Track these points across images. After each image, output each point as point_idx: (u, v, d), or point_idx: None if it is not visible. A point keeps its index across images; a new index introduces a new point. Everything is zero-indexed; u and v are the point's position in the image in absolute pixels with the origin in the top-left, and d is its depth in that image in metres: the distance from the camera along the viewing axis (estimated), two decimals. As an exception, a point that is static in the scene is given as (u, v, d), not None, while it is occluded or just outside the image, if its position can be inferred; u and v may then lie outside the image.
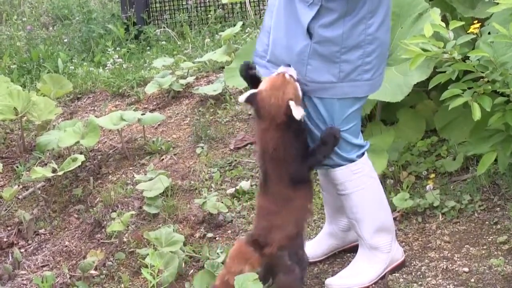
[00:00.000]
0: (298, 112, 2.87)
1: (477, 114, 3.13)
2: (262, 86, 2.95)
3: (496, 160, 3.44)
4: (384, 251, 3.19)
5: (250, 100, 2.95)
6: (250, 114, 4.76)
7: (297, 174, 3.00)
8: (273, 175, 3.00)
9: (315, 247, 3.44)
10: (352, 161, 3.08)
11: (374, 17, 2.92)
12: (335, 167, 3.09)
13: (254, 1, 6.53)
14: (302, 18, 2.92)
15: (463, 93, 3.21)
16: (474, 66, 3.19)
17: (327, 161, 3.07)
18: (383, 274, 3.21)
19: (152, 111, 5.02)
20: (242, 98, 2.95)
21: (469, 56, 3.25)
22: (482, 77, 3.21)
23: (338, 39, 2.91)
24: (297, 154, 2.98)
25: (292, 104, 2.86)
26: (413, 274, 3.26)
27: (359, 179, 3.09)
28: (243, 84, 4.44)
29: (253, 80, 3.06)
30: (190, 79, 5.25)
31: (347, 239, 3.42)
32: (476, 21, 3.48)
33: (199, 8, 6.80)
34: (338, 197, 3.19)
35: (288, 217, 3.03)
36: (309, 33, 2.91)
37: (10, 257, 3.96)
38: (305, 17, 2.91)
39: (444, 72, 3.32)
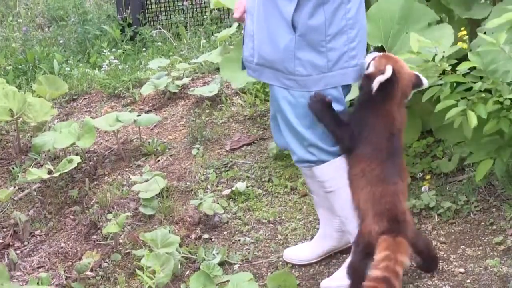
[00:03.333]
0: (426, 81, 3.07)
1: (473, 121, 3.12)
2: (383, 63, 3.01)
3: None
4: (378, 251, 3.20)
5: (392, 74, 2.97)
6: (246, 115, 4.76)
7: None
8: (401, 152, 3.08)
9: (312, 249, 3.44)
10: (335, 155, 3.08)
11: (351, 1, 2.99)
12: (319, 164, 3.09)
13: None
14: (285, 12, 2.95)
15: (458, 102, 3.20)
16: (464, 76, 3.19)
17: (311, 158, 3.07)
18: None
19: (148, 112, 5.02)
20: (386, 74, 2.96)
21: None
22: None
23: (321, 27, 2.95)
24: None
25: (419, 74, 3.03)
26: (409, 274, 3.26)
27: (344, 174, 3.09)
28: (238, 77, 4.41)
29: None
30: (186, 80, 5.25)
31: (343, 239, 3.42)
32: (467, 24, 3.46)
33: (194, 9, 6.80)
34: (327, 197, 3.19)
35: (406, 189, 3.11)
36: (293, 26, 2.94)
37: (6, 258, 3.95)
38: (287, 9, 2.94)
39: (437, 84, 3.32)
